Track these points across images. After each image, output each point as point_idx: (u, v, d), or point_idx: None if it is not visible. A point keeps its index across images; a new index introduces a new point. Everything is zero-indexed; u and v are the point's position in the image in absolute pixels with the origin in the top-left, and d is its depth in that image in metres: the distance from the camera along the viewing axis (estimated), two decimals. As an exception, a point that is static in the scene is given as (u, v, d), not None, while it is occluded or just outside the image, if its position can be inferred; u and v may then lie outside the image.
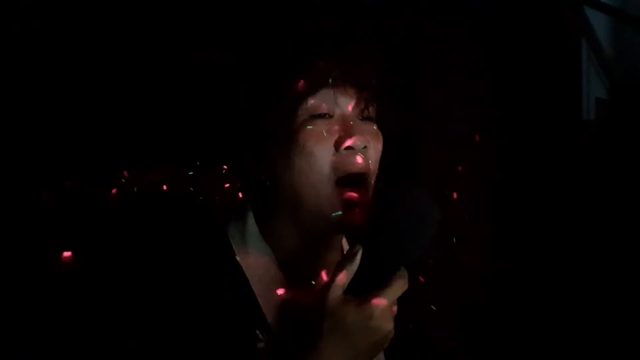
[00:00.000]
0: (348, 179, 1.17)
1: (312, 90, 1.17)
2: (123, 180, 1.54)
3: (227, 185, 1.30)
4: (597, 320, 2.43)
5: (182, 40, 1.58)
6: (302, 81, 1.16)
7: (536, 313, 2.37)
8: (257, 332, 1.17)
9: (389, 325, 1.08)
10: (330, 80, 1.16)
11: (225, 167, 1.27)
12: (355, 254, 1.09)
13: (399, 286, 1.09)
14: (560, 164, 2.55)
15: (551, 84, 2.58)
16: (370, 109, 1.21)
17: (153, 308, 1.15)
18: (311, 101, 1.17)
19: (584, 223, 2.53)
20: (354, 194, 1.16)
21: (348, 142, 1.16)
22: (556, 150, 2.55)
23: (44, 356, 1.54)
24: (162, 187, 1.47)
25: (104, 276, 1.43)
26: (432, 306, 1.33)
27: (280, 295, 1.20)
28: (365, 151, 1.18)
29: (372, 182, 1.19)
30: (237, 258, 1.21)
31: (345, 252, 1.25)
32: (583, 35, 2.73)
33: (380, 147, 1.21)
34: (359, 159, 1.16)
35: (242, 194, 1.27)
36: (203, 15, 1.52)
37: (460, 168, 2.17)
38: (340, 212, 1.16)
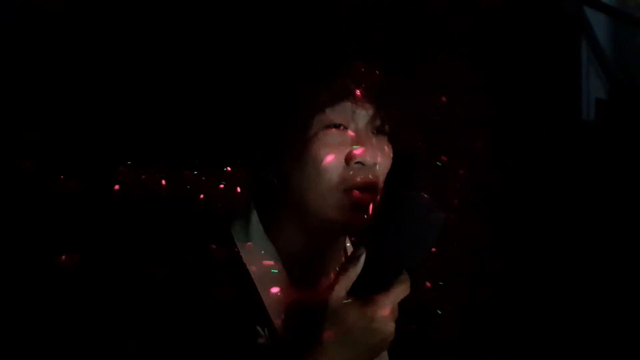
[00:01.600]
0: (355, 190, 1.19)
1: (330, 102, 1.19)
2: (126, 177, 1.54)
3: (232, 183, 1.31)
4: (597, 320, 2.43)
5: (203, 41, 1.58)
6: (321, 93, 1.18)
7: (536, 313, 2.37)
8: (258, 328, 1.18)
9: (390, 328, 1.10)
10: (349, 95, 1.19)
11: (233, 163, 1.28)
12: (359, 257, 1.11)
13: (401, 290, 1.11)
14: (560, 165, 2.55)
15: (551, 84, 2.58)
16: (386, 125, 1.23)
17: (156, 305, 1.16)
18: (328, 112, 1.19)
19: (583, 223, 2.54)
20: (361, 195, 1.18)
21: (359, 158, 1.18)
22: (556, 150, 2.55)
23: (47, 356, 1.54)
24: (166, 183, 1.47)
25: (106, 274, 1.43)
26: (437, 310, 1.34)
27: (283, 293, 1.21)
28: (375, 167, 1.20)
29: (378, 194, 1.21)
30: (241, 256, 1.23)
31: (349, 254, 1.26)
32: (583, 35, 2.73)
33: (389, 163, 1.24)
34: (368, 174, 1.19)
35: (247, 192, 1.28)
36: (226, 19, 1.53)
37: (459, 169, 2.17)
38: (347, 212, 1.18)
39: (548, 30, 2.56)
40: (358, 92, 1.19)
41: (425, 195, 1.11)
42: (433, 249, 1.17)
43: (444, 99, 1.50)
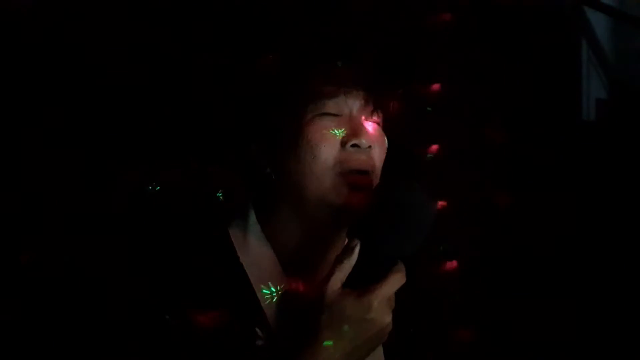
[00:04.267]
0: (351, 174, 1.19)
1: (323, 90, 1.19)
2: (124, 176, 1.54)
3: (230, 181, 1.31)
4: (596, 320, 2.43)
5: (198, 34, 1.58)
6: (314, 81, 1.19)
7: (534, 312, 2.37)
8: (257, 329, 1.17)
9: (386, 318, 1.09)
10: (342, 83, 1.19)
11: (230, 158, 1.28)
12: (353, 248, 1.11)
13: (397, 280, 1.10)
14: (560, 164, 2.55)
15: (551, 84, 2.58)
16: (378, 113, 1.23)
17: (153, 304, 1.15)
18: (321, 100, 1.20)
19: (583, 223, 2.54)
20: (357, 178, 1.18)
21: (354, 140, 1.19)
22: (556, 150, 2.55)
23: (44, 356, 1.55)
24: (164, 182, 1.47)
25: (104, 273, 1.43)
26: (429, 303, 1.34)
27: (280, 290, 1.21)
28: (370, 150, 1.20)
29: (375, 180, 1.21)
30: (239, 255, 1.22)
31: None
32: (583, 35, 2.74)
33: (384, 149, 1.24)
34: (363, 157, 1.19)
35: (245, 189, 1.28)
36: (219, 12, 1.53)
37: (458, 168, 2.17)
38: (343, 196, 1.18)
39: (548, 30, 2.57)
40: (350, 80, 1.19)
41: (417, 185, 1.11)
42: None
43: (438, 91, 1.50)
